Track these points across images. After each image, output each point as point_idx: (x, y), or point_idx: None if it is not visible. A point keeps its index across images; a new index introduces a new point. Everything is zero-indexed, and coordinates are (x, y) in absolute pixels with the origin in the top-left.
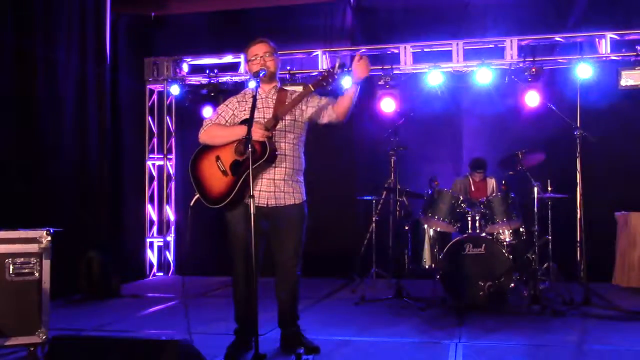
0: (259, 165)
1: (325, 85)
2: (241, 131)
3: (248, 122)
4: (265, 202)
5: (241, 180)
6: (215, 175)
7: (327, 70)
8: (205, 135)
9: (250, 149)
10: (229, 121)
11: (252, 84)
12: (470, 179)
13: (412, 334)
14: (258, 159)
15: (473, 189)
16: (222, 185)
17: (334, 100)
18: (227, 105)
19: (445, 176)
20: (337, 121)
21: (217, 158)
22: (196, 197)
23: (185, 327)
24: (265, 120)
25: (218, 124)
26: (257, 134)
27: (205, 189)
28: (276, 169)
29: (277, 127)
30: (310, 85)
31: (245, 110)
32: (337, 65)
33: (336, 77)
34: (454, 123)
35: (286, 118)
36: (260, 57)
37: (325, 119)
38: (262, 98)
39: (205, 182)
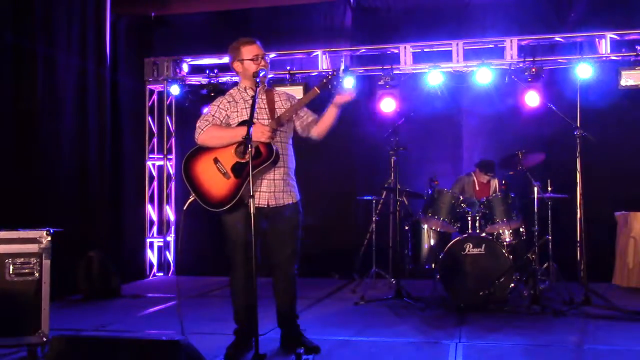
0: (265, 166)
1: (330, 88)
2: (243, 132)
3: (248, 123)
4: (266, 203)
5: (246, 182)
6: (215, 178)
7: (331, 73)
8: (205, 136)
9: (250, 150)
10: (223, 122)
11: (244, 84)
12: (475, 179)
13: (412, 334)
14: (264, 160)
15: (478, 189)
16: (224, 188)
17: (317, 118)
18: (218, 107)
19: (445, 176)
20: (315, 139)
21: (216, 160)
22: (190, 200)
23: (185, 327)
24: (259, 120)
25: (217, 125)
26: (265, 135)
27: (204, 192)
28: (276, 169)
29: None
30: (315, 88)
31: (237, 111)
32: (341, 68)
33: (340, 79)
34: (454, 123)
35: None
36: (261, 57)
37: (305, 133)
38: (250, 99)
39: (204, 185)
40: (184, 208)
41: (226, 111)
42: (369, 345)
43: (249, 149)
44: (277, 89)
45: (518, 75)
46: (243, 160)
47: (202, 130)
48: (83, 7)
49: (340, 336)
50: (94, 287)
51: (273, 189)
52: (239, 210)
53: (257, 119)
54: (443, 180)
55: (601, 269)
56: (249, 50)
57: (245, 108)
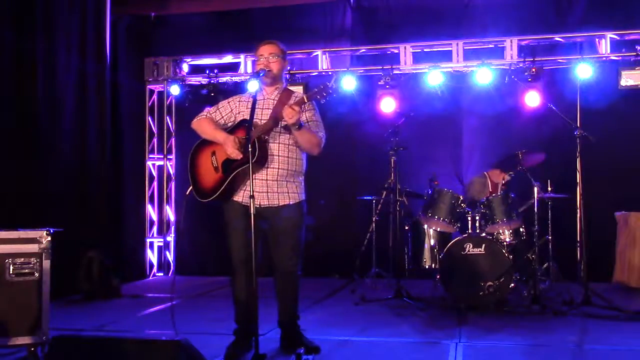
0: (247, 167)
1: (319, 99)
2: (221, 138)
3: (248, 122)
4: (258, 203)
5: (229, 179)
6: (208, 169)
7: (322, 85)
8: (196, 125)
9: (250, 150)
10: (224, 117)
11: (254, 86)
12: (489, 179)
13: (412, 334)
14: (245, 162)
15: (491, 189)
16: (211, 181)
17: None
18: (228, 102)
19: (445, 176)
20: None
21: (213, 153)
22: (191, 188)
23: (185, 327)
24: (261, 121)
25: (212, 118)
26: (233, 152)
27: (197, 181)
28: (268, 169)
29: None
30: (304, 96)
31: (246, 110)
32: (333, 80)
33: (330, 91)
34: (454, 123)
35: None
36: (265, 57)
37: None
38: (263, 99)
39: (198, 174)
40: (187, 193)
41: (233, 109)
42: (369, 345)
43: (248, 148)
44: (294, 88)
45: (518, 75)
46: (231, 158)
47: (197, 118)
48: (83, 7)
49: (340, 336)
50: (94, 287)
51: (265, 190)
52: (239, 210)
53: (262, 119)
54: (443, 180)
55: (601, 269)
56: (256, 52)
57: (259, 108)
